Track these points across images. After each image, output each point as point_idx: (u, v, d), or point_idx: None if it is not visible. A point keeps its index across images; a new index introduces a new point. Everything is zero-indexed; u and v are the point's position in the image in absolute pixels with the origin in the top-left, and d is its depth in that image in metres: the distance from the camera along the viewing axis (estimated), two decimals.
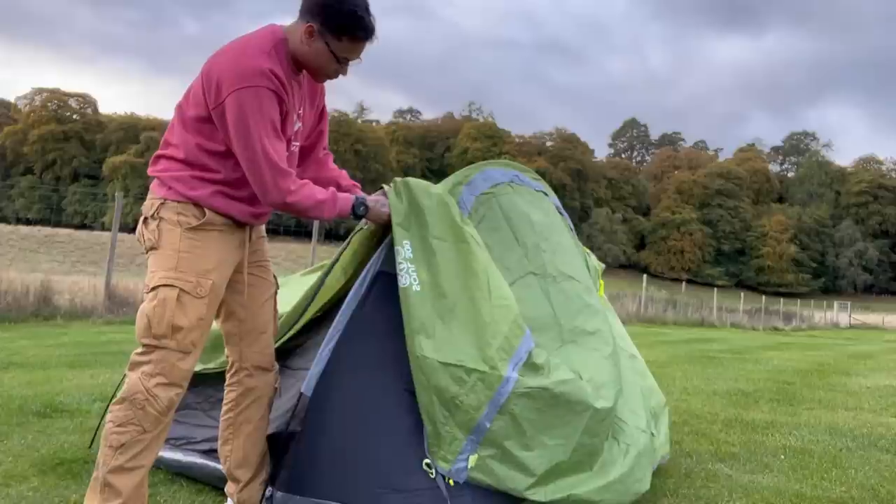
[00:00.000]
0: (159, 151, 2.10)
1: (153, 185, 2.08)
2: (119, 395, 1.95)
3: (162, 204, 2.02)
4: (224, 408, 2.31)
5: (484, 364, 2.20)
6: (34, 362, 5.64)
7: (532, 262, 2.71)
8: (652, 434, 2.96)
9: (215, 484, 2.56)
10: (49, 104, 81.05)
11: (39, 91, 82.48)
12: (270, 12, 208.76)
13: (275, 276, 2.38)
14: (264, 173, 1.96)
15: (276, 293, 2.36)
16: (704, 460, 3.53)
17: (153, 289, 1.97)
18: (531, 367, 2.31)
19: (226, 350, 2.31)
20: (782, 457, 3.70)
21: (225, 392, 2.32)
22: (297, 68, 2.09)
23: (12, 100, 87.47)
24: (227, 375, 2.31)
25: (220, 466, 2.53)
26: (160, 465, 2.80)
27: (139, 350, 1.97)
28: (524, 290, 2.62)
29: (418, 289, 2.27)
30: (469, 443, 2.19)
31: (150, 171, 2.10)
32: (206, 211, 2.03)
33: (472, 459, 2.19)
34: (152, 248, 2.01)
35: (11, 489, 2.55)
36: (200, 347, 2.04)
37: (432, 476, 2.17)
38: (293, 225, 67.48)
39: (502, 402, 2.20)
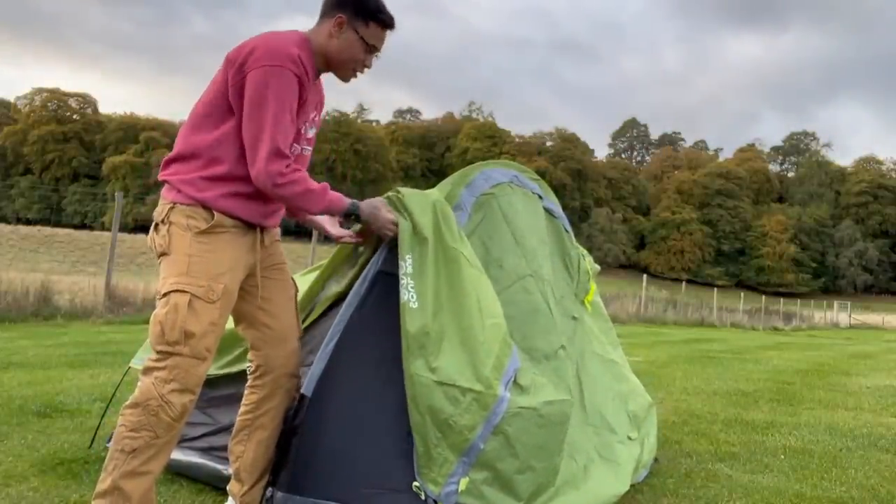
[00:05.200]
0: (169, 156, 2.10)
1: (164, 191, 2.07)
2: (132, 399, 1.94)
3: (171, 208, 2.02)
4: (242, 408, 2.29)
5: (479, 384, 2.18)
6: (34, 362, 5.64)
7: (531, 265, 2.72)
8: (629, 438, 2.97)
9: (215, 484, 2.56)
10: (49, 104, 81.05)
11: (39, 91, 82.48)
12: (281, 12, 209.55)
13: (293, 279, 2.37)
14: (262, 149, 1.96)
15: (295, 294, 2.35)
16: (704, 460, 3.53)
17: (164, 295, 1.96)
18: (517, 387, 2.30)
19: (249, 354, 2.29)
20: (782, 457, 3.70)
21: (246, 392, 2.30)
22: (319, 72, 2.15)
23: (12, 100, 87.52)
24: (251, 378, 2.29)
25: (219, 466, 2.53)
26: None
27: (153, 357, 1.96)
28: (522, 293, 2.62)
29: (415, 306, 2.25)
30: (461, 465, 2.16)
31: (160, 175, 2.09)
32: (216, 213, 2.02)
33: (463, 483, 2.16)
34: (163, 254, 2.01)
35: (11, 489, 2.55)
36: (214, 352, 2.03)
37: (423, 498, 2.15)
38: (293, 225, 67.43)
39: (497, 422, 2.18)
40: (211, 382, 2.72)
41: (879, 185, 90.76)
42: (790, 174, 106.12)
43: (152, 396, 1.91)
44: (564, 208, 3.31)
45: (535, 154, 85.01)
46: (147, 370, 1.95)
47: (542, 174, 3.55)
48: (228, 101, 2.01)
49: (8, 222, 58.42)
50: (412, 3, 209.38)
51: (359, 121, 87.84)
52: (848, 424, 4.75)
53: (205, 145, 2.02)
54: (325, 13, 2.12)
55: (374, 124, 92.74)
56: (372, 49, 2.15)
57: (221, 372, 2.68)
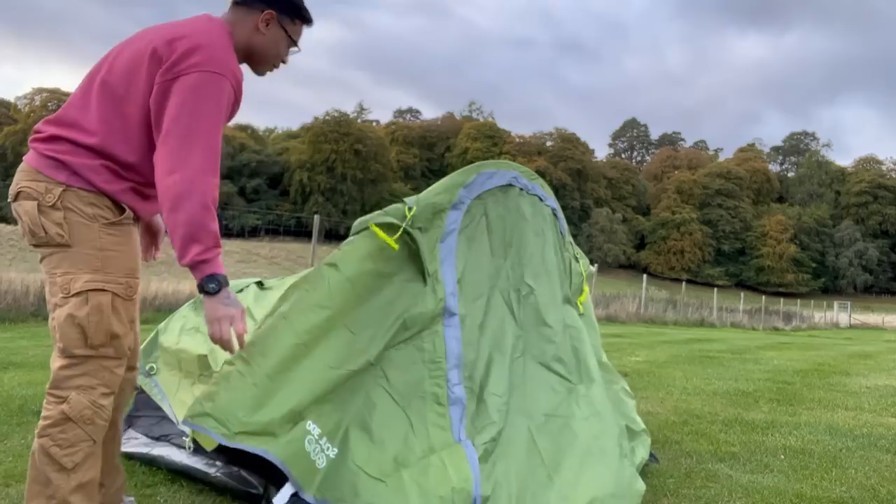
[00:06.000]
0: (59, 131, 1.84)
1: (41, 163, 1.82)
2: (55, 418, 1.81)
3: (65, 191, 1.81)
4: None
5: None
6: (34, 362, 5.63)
7: (502, 278, 2.74)
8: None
9: (216, 484, 2.56)
10: (49, 104, 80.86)
11: (39, 91, 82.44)
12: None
13: None
14: (195, 157, 1.76)
15: None
16: (704, 460, 3.53)
17: (78, 293, 1.80)
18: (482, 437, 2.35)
19: None
20: (782, 457, 3.70)
21: None
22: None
23: (12, 100, 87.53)
24: None
25: (206, 469, 2.53)
26: (160, 465, 2.80)
27: (65, 363, 1.82)
28: (491, 309, 2.65)
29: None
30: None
31: (42, 147, 1.84)
32: (124, 205, 1.89)
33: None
34: (62, 245, 1.80)
35: (11, 489, 2.55)
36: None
37: None
38: (293, 225, 67.53)
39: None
40: None
41: (879, 185, 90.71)
42: (790, 174, 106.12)
43: (85, 406, 1.82)
44: (564, 208, 3.32)
45: (535, 154, 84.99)
46: (64, 382, 1.81)
47: (542, 174, 3.55)
48: (149, 106, 1.82)
49: (8, 222, 58.37)
50: (414, 3, 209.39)
51: (359, 121, 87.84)
52: (848, 424, 4.75)
53: (121, 151, 1.84)
54: (248, 4, 2.00)
55: (374, 124, 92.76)
56: (293, 45, 2.10)
57: None
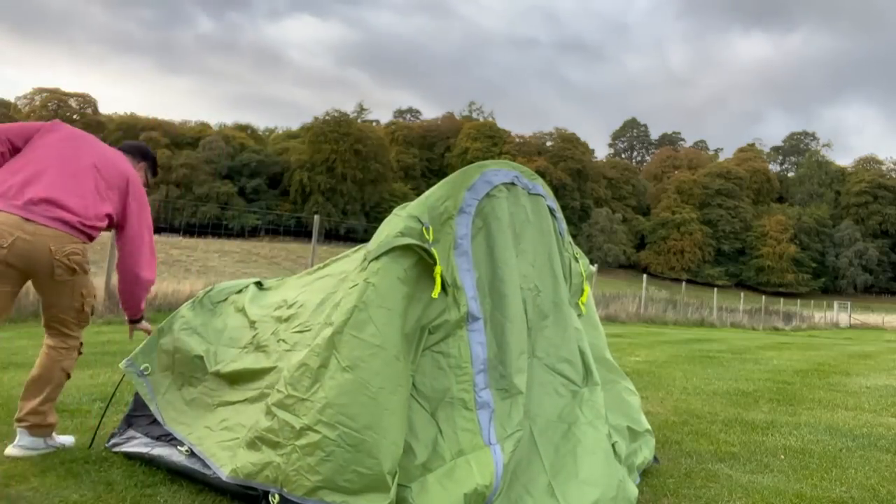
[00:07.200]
0: (94, 222, 2.97)
1: (72, 232, 2.88)
2: (74, 356, 3.15)
3: (83, 244, 2.97)
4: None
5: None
6: (34, 362, 5.61)
7: (518, 275, 2.74)
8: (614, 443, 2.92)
9: (215, 484, 2.56)
10: (49, 104, 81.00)
11: (39, 91, 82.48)
12: (287, 11, 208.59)
13: None
14: (151, 242, 3.18)
15: None
16: (704, 460, 3.53)
17: (94, 297, 3.09)
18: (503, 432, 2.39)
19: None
20: (782, 457, 3.70)
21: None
22: None
23: (12, 100, 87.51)
24: None
25: (203, 470, 2.54)
26: (160, 465, 2.80)
27: (75, 333, 3.11)
28: (514, 307, 2.66)
29: None
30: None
31: (71, 219, 2.88)
32: None
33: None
34: (85, 273, 2.99)
35: (11, 489, 2.55)
36: None
37: None
38: (293, 225, 67.44)
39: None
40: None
41: (879, 185, 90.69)
42: (790, 174, 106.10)
43: (74, 358, 3.17)
44: (564, 208, 3.33)
45: (535, 154, 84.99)
46: (76, 339, 3.13)
47: (542, 174, 3.53)
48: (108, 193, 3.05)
49: None
50: (416, 3, 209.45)
51: (359, 121, 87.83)
52: (848, 424, 4.75)
53: (100, 224, 3.03)
54: (132, 154, 3.35)
55: (374, 124, 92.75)
56: (147, 183, 3.42)
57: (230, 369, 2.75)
